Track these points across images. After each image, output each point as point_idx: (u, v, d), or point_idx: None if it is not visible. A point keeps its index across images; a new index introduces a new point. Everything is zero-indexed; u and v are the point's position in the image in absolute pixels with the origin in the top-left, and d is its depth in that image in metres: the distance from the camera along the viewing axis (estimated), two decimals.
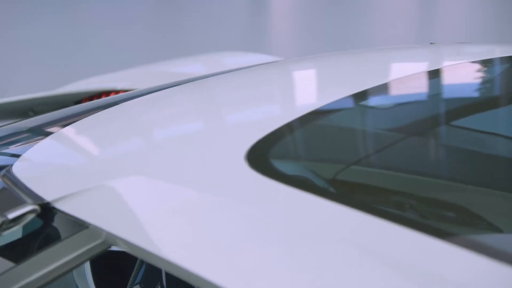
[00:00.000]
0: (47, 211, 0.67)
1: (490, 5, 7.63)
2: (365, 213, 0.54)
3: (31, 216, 0.66)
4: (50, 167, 0.80)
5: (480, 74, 0.96)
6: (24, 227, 0.69)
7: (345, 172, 0.70)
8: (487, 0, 8.11)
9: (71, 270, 0.64)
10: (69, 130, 0.90)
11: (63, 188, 0.69)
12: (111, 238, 0.62)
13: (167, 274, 1.16)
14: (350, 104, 0.82)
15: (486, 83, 0.94)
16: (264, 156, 0.70)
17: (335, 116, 0.81)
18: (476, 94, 0.89)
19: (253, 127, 0.79)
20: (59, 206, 0.67)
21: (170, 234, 0.59)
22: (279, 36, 6.28)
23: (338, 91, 0.86)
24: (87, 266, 1.14)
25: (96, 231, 0.64)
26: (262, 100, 0.95)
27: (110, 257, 1.23)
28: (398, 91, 0.88)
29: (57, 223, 0.69)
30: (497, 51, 1.07)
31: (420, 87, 0.89)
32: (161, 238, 0.58)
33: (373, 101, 0.84)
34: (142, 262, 1.14)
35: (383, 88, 0.85)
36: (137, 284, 1.10)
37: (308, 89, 0.99)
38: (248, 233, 0.56)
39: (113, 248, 1.20)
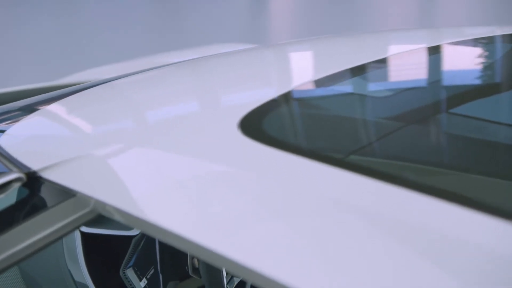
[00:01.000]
0: (33, 180, 0.66)
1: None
2: (355, 173, 0.53)
3: (16, 185, 0.65)
4: (36, 139, 0.79)
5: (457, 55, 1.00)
6: (10, 197, 0.67)
7: (334, 135, 0.70)
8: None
9: (59, 239, 0.63)
10: (55, 106, 0.89)
11: (50, 157, 0.68)
12: (100, 206, 0.61)
13: (161, 258, 1.15)
14: (336, 78, 0.86)
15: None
16: (256, 124, 0.69)
17: (322, 90, 0.84)
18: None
19: (245, 100, 0.78)
20: (46, 175, 0.66)
21: (161, 200, 0.57)
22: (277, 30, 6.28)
23: (325, 68, 0.90)
24: (79, 250, 1.13)
25: (84, 199, 0.62)
26: (252, 77, 0.94)
27: (102, 242, 1.21)
28: (380, 68, 0.92)
29: (44, 192, 0.67)
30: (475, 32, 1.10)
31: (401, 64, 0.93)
32: (152, 204, 0.57)
33: (357, 74, 0.88)
34: (135, 246, 1.13)
35: (364, 67, 0.89)
36: (130, 267, 1.09)
37: (297, 68, 1.01)
38: (241, 196, 0.55)
39: (106, 231, 1.19)
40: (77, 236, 1.14)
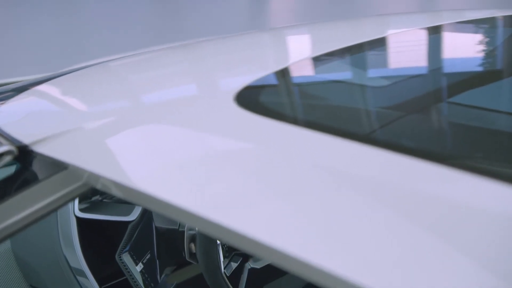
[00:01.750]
0: (25, 154, 0.65)
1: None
2: (355, 142, 0.52)
3: (7, 158, 0.64)
4: (27, 114, 0.78)
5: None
6: (1, 170, 0.66)
7: (331, 106, 0.70)
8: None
9: (51, 212, 0.62)
10: (46, 86, 0.88)
11: (41, 131, 0.67)
12: (93, 178, 0.60)
13: (158, 244, 1.14)
14: (331, 55, 0.87)
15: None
16: (251, 97, 0.68)
17: (318, 65, 0.85)
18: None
19: (241, 76, 0.78)
20: (38, 148, 0.65)
21: (156, 172, 0.56)
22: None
23: (320, 47, 0.90)
24: (75, 236, 1.12)
25: (77, 172, 0.61)
26: (247, 56, 0.94)
27: (98, 227, 1.20)
28: (375, 45, 0.94)
29: (36, 165, 0.66)
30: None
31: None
32: (147, 175, 0.56)
33: (351, 52, 0.89)
34: (132, 231, 1.12)
35: (359, 46, 0.90)
36: (125, 252, 1.08)
37: (293, 47, 1.02)
38: (238, 166, 0.54)
39: (102, 217, 1.18)
40: (73, 221, 1.13)
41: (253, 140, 0.58)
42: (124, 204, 1.23)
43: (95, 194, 1.34)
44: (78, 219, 1.14)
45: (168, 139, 0.61)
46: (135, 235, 1.12)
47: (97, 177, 0.59)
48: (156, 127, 0.65)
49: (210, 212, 0.47)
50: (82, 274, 1.09)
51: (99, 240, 1.21)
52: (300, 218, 0.44)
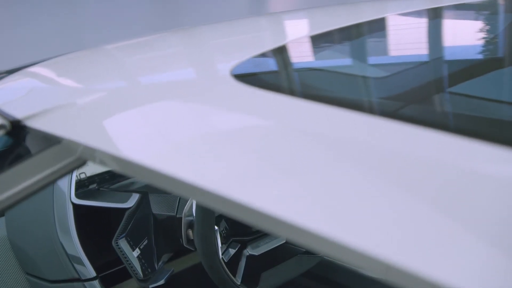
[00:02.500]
0: (18, 129, 0.64)
1: None
2: (353, 111, 0.51)
3: (0, 132, 0.63)
4: (20, 91, 0.78)
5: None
6: None
7: (329, 77, 0.69)
8: None
9: (46, 186, 0.61)
10: (39, 66, 0.87)
11: (34, 106, 0.66)
12: (87, 152, 0.59)
13: (155, 231, 1.13)
14: (327, 34, 0.87)
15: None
16: (248, 71, 0.68)
17: (314, 43, 0.85)
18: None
19: (238, 54, 0.77)
20: (31, 123, 0.64)
21: (153, 144, 0.55)
22: None
23: (317, 28, 0.90)
24: (72, 223, 1.10)
25: (71, 146, 0.61)
26: (242, 37, 0.93)
27: (95, 214, 1.20)
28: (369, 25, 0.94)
29: (29, 140, 0.65)
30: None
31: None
32: (143, 147, 0.55)
33: (345, 32, 0.90)
34: (129, 218, 1.11)
35: (353, 27, 0.90)
36: (122, 237, 1.07)
37: (290, 29, 1.02)
38: (232, 136, 0.53)
39: (99, 204, 1.17)
40: (69, 208, 1.12)
41: (248, 110, 0.57)
42: (121, 192, 1.22)
43: (92, 183, 1.33)
44: (75, 206, 1.13)
45: (163, 111, 0.60)
46: (132, 222, 1.10)
47: (91, 150, 0.58)
48: (151, 100, 0.64)
49: (205, 182, 0.46)
50: (79, 261, 1.08)
51: (96, 227, 1.20)
52: (303, 187, 0.43)
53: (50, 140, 0.62)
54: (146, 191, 1.19)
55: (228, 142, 0.52)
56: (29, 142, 0.67)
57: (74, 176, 1.17)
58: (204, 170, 0.48)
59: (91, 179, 1.33)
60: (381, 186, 0.41)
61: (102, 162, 0.57)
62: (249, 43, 0.87)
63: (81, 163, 0.61)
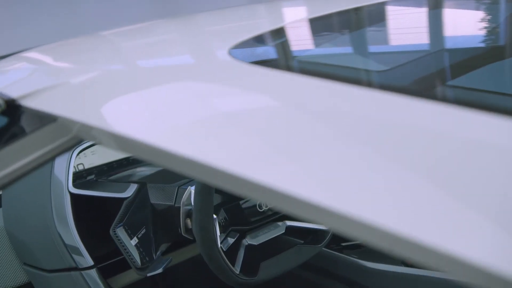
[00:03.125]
0: (13, 108, 0.64)
1: None
2: (350, 84, 0.51)
3: None
4: (14, 72, 0.77)
5: None
6: None
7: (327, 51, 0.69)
8: None
9: (41, 164, 0.61)
10: (32, 51, 0.87)
11: (29, 86, 0.66)
12: (83, 129, 0.58)
13: (153, 220, 1.12)
14: (322, 18, 0.86)
15: None
16: (247, 50, 0.67)
17: (312, 24, 0.84)
18: None
19: (236, 34, 0.76)
20: (25, 102, 0.63)
21: (150, 120, 0.54)
22: None
23: (315, 12, 0.90)
24: (69, 213, 1.10)
25: (66, 124, 0.60)
26: (240, 20, 0.92)
27: (92, 204, 1.19)
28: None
29: (24, 120, 0.65)
30: None
31: None
32: (144, 124, 0.54)
33: (340, 13, 0.89)
34: (127, 208, 1.10)
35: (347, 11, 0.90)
36: (120, 226, 1.06)
37: (289, 12, 1.01)
38: (228, 109, 0.52)
39: (96, 193, 1.16)
40: (66, 198, 1.11)
41: (245, 86, 0.56)
42: (119, 183, 1.22)
43: (90, 174, 1.32)
44: (72, 195, 1.12)
45: (160, 89, 0.60)
46: (130, 211, 1.10)
47: (87, 128, 0.57)
48: (148, 78, 0.64)
49: (206, 157, 0.45)
50: (77, 250, 1.07)
51: (93, 216, 1.19)
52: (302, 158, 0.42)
53: (45, 119, 0.62)
54: (145, 182, 1.18)
55: (225, 115, 0.51)
56: (24, 121, 0.66)
57: (72, 165, 1.16)
58: (201, 145, 0.47)
59: (89, 171, 1.33)
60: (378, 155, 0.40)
61: (98, 140, 0.57)
62: (246, 27, 0.86)
63: (77, 141, 0.60)
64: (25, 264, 1.14)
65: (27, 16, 6.52)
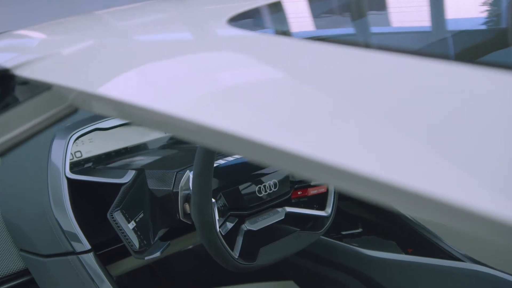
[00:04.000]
0: (7, 78, 0.63)
1: None
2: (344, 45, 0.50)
3: None
4: (8, 44, 0.76)
5: None
6: None
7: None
8: None
9: (38, 132, 0.60)
10: (25, 29, 0.86)
11: (23, 56, 0.65)
12: (79, 97, 0.57)
13: (151, 206, 1.11)
14: None
15: None
16: (246, 19, 0.66)
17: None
18: None
19: (235, 7, 0.75)
20: (19, 72, 0.62)
21: (148, 85, 0.53)
22: None
23: None
24: (66, 198, 1.08)
25: (61, 92, 0.59)
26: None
27: (90, 190, 1.18)
28: None
29: (19, 89, 0.64)
30: None
31: None
32: (141, 89, 0.53)
33: None
34: (124, 193, 1.09)
35: None
36: (117, 210, 1.05)
37: None
38: (227, 72, 0.51)
39: (93, 179, 1.15)
40: (63, 183, 1.10)
41: (243, 52, 0.55)
42: (117, 169, 1.21)
43: (87, 162, 1.31)
44: (70, 181, 1.11)
45: (154, 53, 0.59)
46: (127, 196, 1.08)
47: (83, 95, 0.56)
48: (143, 45, 0.63)
49: (196, 116, 0.44)
50: (74, 236, 1.06)
51: (91, 202, 1.18)
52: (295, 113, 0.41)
53: (39, 87, 0.61)
54: (143, 168, 1.17)
55: (220, 72, 0.51)
56: (19, 91, 0.65)
57: (69, 151, 1.15)
58: (197, 106, 0.46)
59: (87, 159, 1.32)
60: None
61: (94, 107, 0.56)
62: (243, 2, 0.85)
63: (72, 110, 0.59)
64: (21, 250, 1.12)
65: (27, 15, 6.52)
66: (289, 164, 0.37)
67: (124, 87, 0.53)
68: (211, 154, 1.01)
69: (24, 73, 0.62)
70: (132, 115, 0.51)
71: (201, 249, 1.80)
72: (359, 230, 1.45)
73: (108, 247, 1.22)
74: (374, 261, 1.33)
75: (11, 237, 1.13)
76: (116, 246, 1.24)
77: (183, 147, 1.42)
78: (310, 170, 0.36)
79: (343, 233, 1.43)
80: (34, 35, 0.81)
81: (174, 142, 1.49)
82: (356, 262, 1.36)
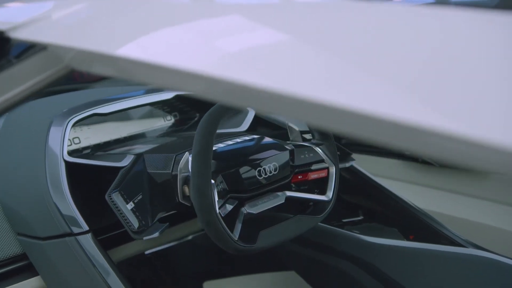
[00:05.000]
0: (2, 41, 0.62)
1: None
2: None
3: None
4: (1, 7, 0.75)
5: None
6: None
7: None
8: None
9: (34, 94, 0.59)
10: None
11: (17, 18, 0.64)
12: (76, 56, 0.56)
13: (150, 188, 1.10)
14: None
15: None
16: None
17: None
18: None
19: None
20: (14, 34, 0.62)
21: (148, 39, 0.52)
22: None
23: None
24: (64, 181, 1.07)
25: (57, 52, 0.58)
26: None
27: (88, 174, 1.17)
28: None
29: (14, 52, 0.63)
30: None
31: None
32: (140, 43, 0.52)
33: None
34: (123, 176, 1.08)
35: None
36: (116, 191, 1.04)
37: None
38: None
39: (92, 162, 1.14)
40: (61, 166, 1.08)
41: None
42: (116, 154, 1.19)
43: (86, 149, 1.30)
44: (68, 164, 1.10)
45: (152, 9, 0.58)
46: (126, 178, 1.07)
47: (81, 53, 0.55)
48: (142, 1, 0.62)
49: (197, 66, 0.43)
50: (72, 218, 1.04)
51: (89, 186, 1.16)
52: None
53: (35, 49, 0.60)
54: (141, 153, 1.16)
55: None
56: (14, 53, 0.64)
57: (67, 134, 1.14)
58: (204, 59, 0.45)
59: (86, 147, 1.31)
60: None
61: (91, 66, 0.55)
62: None
63: (68, 70, 0.58)
64: (19, 234, 1.11)
65: None
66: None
67: (119, 44, 0.52)
68: (211, 135, 1.00)
69: (19, 35, 0.62)
70: (132, 72, 0.50)
71: (201, 241, 1.79)
72: (360, 217, 1.43)
73: (106, 233, 1.21)
74: (375, 248, 1.31)
75: (8, 222, 1.12)
76: (114, 233, 1.22)
77: (182, 135, 1.41)
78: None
79: (344, 220, 1.42)
80: (27, 2, 0.81)
81: (173, 130, 1.48)
82: (357, 249, 1.34)
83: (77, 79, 2.49)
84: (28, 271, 1.11)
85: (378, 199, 1.40)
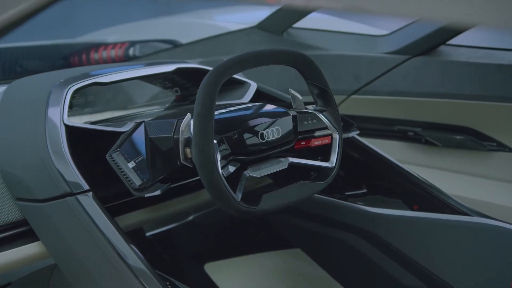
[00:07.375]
0: None
1: None
2: None
3: None
4: None
5: None
6: None
7: None
8: None
9: (32, 15, 0.58)
10: None
11: None
12: None
13: (151, 150, 1.08)
14: None
15: None
16: None
17: None
18: None
19: None
20: None
21: None
22: None
23: None
24: (64, 144, 1.06)
25: None
26: None
27: (89, 138, 1.15)
28: None
29: None
30: None
31: None
32: None
33: None
34: (125, 138, 1.07)
35: None
36: (117, 152, 1.02)
37: None
38: None
39: (93, 127, 1.13)
40: (62, 130, 1.07)
41: None
42: (117, 122, 1.18)
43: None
44: (68, 128, 1.08)
45: None
46: (127, 141, 1.06)
47: None
48: None
49: None
50: (72, 178, 1.03)
51: (90, 150, 1.15)
52: None
53: None
54: (142, 121, 1.15)
55: None
56: None
57: (68, 100, 1.12)
58: None
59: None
60: None
61: None
62: None
63: None
64: (18, 199, 1.09)
65: None
66: None
67: None
68: (213, 94, 0.99)
69: None
70: None
71: (202, 220, 1.77)
72: (364, 190, 1.42)
73: (108, 203, 1.19)
74: (380, 218, 1.30)
75: (7, 187, 1.11)
76: (114, 204, 1.21)
77: (183, 108, 1.40)
78: None
79: (347, 193, 1.41)
80: None
81: (174, 106, 1.47)
82: (361, 220, 1.33)
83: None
84: (28, 236, 1.10)
85: (381, 171, 1.39)
